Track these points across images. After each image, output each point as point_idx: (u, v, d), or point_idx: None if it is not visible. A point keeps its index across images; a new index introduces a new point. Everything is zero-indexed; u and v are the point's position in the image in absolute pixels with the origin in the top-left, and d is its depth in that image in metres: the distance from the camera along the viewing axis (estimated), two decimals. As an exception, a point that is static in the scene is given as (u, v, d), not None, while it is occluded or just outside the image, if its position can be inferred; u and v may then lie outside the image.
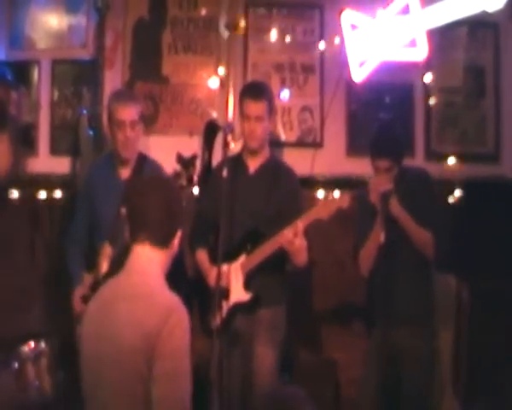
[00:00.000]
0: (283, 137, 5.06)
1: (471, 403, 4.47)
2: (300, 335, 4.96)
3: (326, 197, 3.82)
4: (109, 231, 3.91)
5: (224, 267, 3.83)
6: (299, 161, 4.93)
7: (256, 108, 3.94)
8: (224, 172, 3.68)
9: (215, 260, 3.89)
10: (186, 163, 3.54)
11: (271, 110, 4.05)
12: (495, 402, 4.39)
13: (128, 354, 2.46)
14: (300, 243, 3.70)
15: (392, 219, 3.79)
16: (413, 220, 3.82)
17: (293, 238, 3.67)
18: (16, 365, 3.86)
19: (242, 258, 3.87)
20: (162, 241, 2.63)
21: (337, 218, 4.66)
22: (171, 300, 2.56)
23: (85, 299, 3.88)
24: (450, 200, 4.99)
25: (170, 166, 4.77)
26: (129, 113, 3.99)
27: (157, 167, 4.12)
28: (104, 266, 3.88)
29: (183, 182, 3.53)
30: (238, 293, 3.84)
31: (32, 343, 3.92)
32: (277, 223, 3.78)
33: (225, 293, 3.84)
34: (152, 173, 3.99)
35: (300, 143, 5.07)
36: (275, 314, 3.97)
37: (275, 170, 4.05)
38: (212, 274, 3.88)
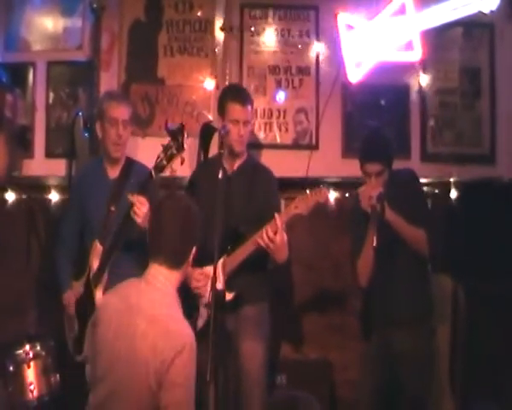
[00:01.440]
0: (278, 139, 5.05)
1: (468, 402, 4.48)
2: (296, 336, 4.97)
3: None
4: (99, 229, 3.91)
5: (206, 269, 3.83)
6: (294, 163, 4.95)
7: (244, 112, 3.98)
8: (220, 174, 3.65)
9: (198, 263, 3.88)
10: (174, 133, 3.57)
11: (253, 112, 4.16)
12: (493, 402, 4.41)
13: (140, 367, 2.68)
14: (281, 240, 3.68)
15: (385, 223, 3.80)
16: (405, 221, 3.82)
17: (273, 236, 3.66)
18: (12, 367, 3.86)
19: (224, 258, 3.84)
20: (176, 264, 2.88)
21: (331, 222, 4.69)
22: (185, 330, 2.79)
23: (80, 301, 3.89)
24: (447, 201, 4.99)
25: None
26: (122, 111, 3.99)
27: (145, 170, 4.08)
28: (95, 264, 3.88)
29: (174, 151, 3.56)
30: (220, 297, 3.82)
31: (28, 346, 3.92)
32: (257, 222, 3.79)
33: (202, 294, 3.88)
34: (140, 175, 3.95)
35: (296, 145, 5.05)
36: (259, 310, 3.98)
37: (252, 170, 4.08)
38: (192, 276, 3.88)
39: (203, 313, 3.89)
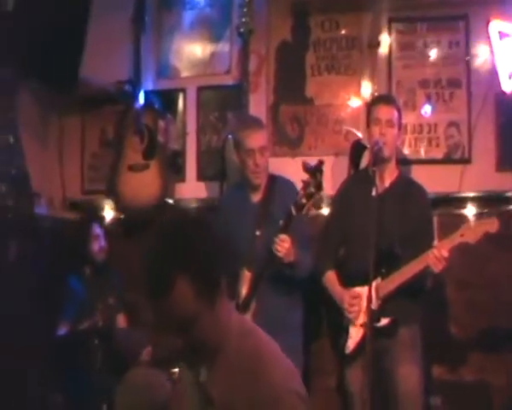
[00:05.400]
0: (429, 154, 4.92)
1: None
2: (451, 357, 4.82)
3: (475, 216, 3.71)
4: (246, 256, 3.93)
5: (359, 290, 3.81)
6: (446, 178, 4.82)
7: (387, 111, 3.93)
8: (374, 192, 3.67)
9: (345, 282, 3.90)
10: (313, 170, 3.57)
11: (400, 121, 4.04)
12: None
13: None
14: (444, 266, 3.60)
15: None
16: None
17: (441, 258, 3.57)
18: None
19: (377, 281, 3.74)
20: None
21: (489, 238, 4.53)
22: None
23: None
24: None
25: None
26: (258, 139, 4.00)
27: (289, 184, 4.10)
28: (243, 290, 3.89)
29: (312, 189, 3.56)
30: (375, 318, 3.74)
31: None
32: (412, 243, 3.72)
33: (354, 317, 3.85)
34: (284, 191, 3.99)
35: (447, 160, 4.90)
36: (413, 333, 3.90)
37: (405, 187, 3.98)
38: (345, 297, 3.85)
39: (353, 335, 3.84)
